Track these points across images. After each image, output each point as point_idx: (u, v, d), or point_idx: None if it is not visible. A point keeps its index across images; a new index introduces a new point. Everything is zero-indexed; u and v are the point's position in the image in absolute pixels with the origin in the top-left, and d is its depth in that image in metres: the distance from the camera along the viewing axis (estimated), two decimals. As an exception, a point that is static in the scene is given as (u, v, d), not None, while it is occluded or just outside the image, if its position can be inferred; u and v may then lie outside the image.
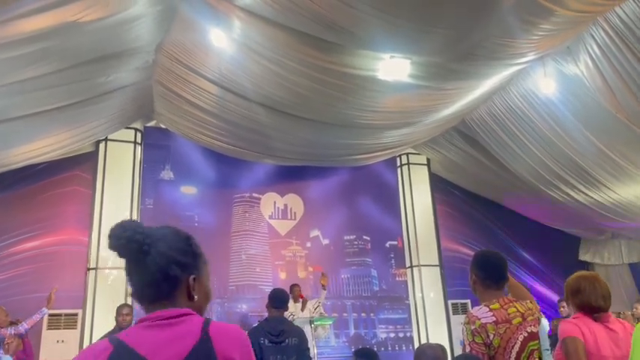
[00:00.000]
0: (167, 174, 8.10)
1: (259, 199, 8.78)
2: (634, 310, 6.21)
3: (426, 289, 9.04)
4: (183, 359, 1.19)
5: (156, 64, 6.07)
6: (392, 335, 8.70)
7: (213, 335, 1.25)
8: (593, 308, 2.49)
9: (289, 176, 8.85)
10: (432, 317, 8.81)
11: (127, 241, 1.28)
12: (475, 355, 2.21)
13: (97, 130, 7.07)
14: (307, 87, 6.04)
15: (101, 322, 6.66)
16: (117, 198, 7.56)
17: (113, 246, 1.29)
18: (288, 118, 6.76)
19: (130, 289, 1.34)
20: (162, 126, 7.97)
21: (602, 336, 2.40)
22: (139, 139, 8.00)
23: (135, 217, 7.59)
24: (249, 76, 5.93)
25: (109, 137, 7.72)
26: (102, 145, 7.73)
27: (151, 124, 8.10)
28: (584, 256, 10.16)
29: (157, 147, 8.13)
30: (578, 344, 2.37)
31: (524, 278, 9.38)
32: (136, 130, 7.97)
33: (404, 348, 8.66)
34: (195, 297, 1.33)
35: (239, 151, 7.86)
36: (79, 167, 7.66)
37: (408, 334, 8.84)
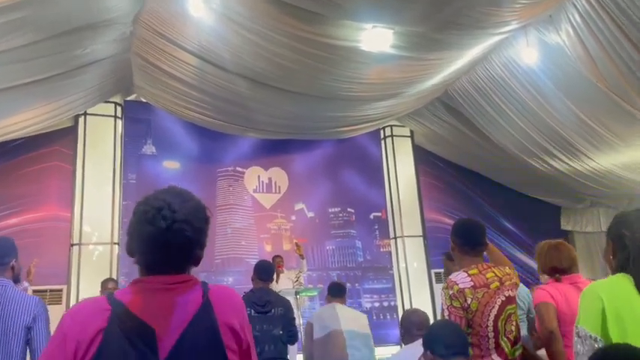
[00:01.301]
0: (149, 148, 8.01)
1: (243, 173, 8.76)
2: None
3: (410, 259, 9.17)
4: (185, 326, 1.19)
5: (133, 35, 5.94)
6: (376, 305, 8.85)
7: (214, 301, 1.25)
8: (559, 270, 2.65)
9: (273, 150, 8.82)
10: (416, 286, 8.96)
11: (157, 213, 1.24)
12: (451, 321, 2.26)
13: (75, 104, 6.94)
14: (289, 58, 5.97)
15: (86, 297, 6.66)
16: (98, 173, 7.48)
17: (143, 219, 1.24)
18: (269, 90, 6.70)
19: (132, 259, 1.28)
20: (143, 99, 7.85)
21: (573, 295, 2.49)
22: (119, 113, 7.88)
23: (117, 192, 7.54)
24: (228, 47, 5.84)
25: (89, 111, 7.59)
26: (81, 120, 7.60)
27: (131, 97, 7.97)
28: (566, 226, 10.36)
29: (137, 121, 8.02)
30: (549, 307, 2.51)
31: (505, 247, 9.55)
32: (116, 104, 7.84)
33: (388, 317, 8.83)
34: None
35: (221, 124, 7.79)
36: (59, 142, 7.54)
37: (392, 303, 8.99)
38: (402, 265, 9.17)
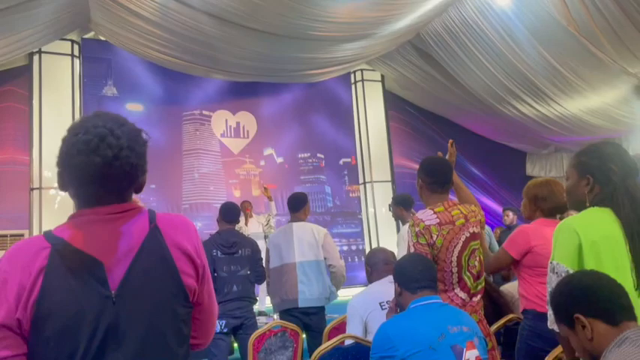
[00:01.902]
0: (110, 90, 7.69)
1: (210, 116, 8.54)
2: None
3: (378, 204, 9.27)
4: (134, 254, 1.13)
5: (89, -34, 5.55)
6: (345, 248, 8.98)
7: (162, 226, 1.20)
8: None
9: (241, 93, 8.60)
10: (384, 230, 9.12)
11: (102, 142, 1.13)
12: (422, 255, 2.27)
13: (28, 41, 6.54)
14: (256, -6, 5.71)
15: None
16: (56, 114, 7.16)
17: (85, 149, 1.13)
18: (235, 28, 6.43)
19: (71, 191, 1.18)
20: (102, 38, 7.46)
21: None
22: (76, 52, 7.50)
23: (78, 135, 7.27)
24: (192, -19, 5.53)
25: (43, 49, 7.19)
26: (36, 58, 7.22)
27: (89, 35, 7.57)
28: (532, 171, 10.59)
29: (97, 60, 7.66)
30: (506, 259, 2.56)
31: (471, 191, 9.72)
32: (73, 41, 7.44)
33: (356, 259, 9.00)
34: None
35: (186, 65, 7.50)
36: (13, 82, 7.17)
37: (361, 247, 9.15)
38: (371, 210, 9.28)
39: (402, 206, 4.39)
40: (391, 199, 4.73)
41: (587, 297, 1.41)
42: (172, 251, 1.18)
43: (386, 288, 2.66)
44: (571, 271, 1.57)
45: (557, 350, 2.00)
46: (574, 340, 1.44)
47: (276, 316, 4.28)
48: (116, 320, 1.09)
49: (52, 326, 1.05)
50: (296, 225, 3.93)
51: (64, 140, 1.17)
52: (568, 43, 6.59)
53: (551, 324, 1.60)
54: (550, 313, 1.60)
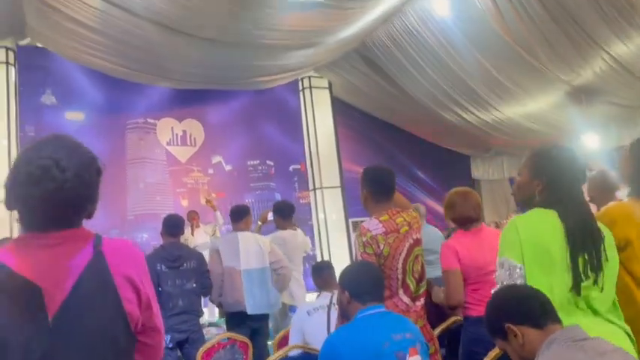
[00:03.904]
0: (48, 98, 7.39)
1: (155, 124, 8.36)
2: (509, 218, 6.88)
3: (329, 210, 9.33)
4: (75, 280, 1.11)
5: (22, -30, 5.32)
6: (296, 255, 8.97)
7: (108, 252, 1.18)
8: (466, 219, 2.71)
9: (187, 100, 8.45)
10: (334, 236, 9.18)
11: (44, 175, 1.12)
12: (373, 265, 2.31)
13: (-43, 48, 6.19)
14: (200, 3, 5.64)
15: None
16: (-10, 125, 6.83)
17: (26, 181, 1.12)
18: (180, 36, 6.33)
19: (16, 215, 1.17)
20: (39, 45, 7.16)
21: (476, 247, 2.62)
22: (11, 60, 7.16)
23: (14, 145, 6.94)
24: (134, -12, 5.40)
25: (-25, 57, 6.83)
26: (-34, 66, 6.85)
27: (25, 42, 7.24)
28: (476, 174, 10.97)
29: (34, 68, 7.33)
30: (455, 276, 2.61)
31: (418, 195, 9.96)
32: (7, 48, 7.10)
33: (307, 265, 8.98)
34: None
35: (129, 72, 7.31)
36: (-58, 91, 6.76)
37: (311, 253, 9.16)
38: (321, 216, 9.32)
39: (277, 215, 4.52)
40: (274, 206, 4.82)
41: (513, 307, 1.50)
42: (115, 278, 1.17)
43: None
44: (519, 265, 1.64)
45: (494, 352, 2.09)
46: (510, 350, 1.52)
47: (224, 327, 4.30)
48: (52, 347, 1.07)
49: None
50: (240, 234, 4.05)
51: (14, 164, 1.17)
52: (504, 51, 6.88)
53: None
54: None
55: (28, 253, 1.13)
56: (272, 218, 5.44)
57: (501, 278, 1.67)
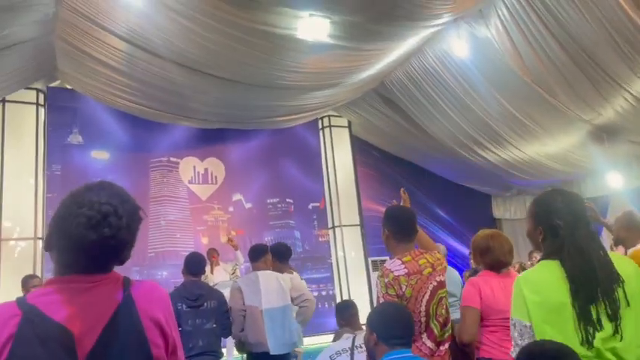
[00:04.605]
0: (75, 138, 7.60)
1: (178, 163, 8.50)
2: (532, 259, 6.72)
3: (348, 248, 9.27)
4: (105, 324, 1.13)
5: (57, 17, 5.57)
6: (315, 294, 8.85)
7: (137, 296, 1.20)
8: (501, 264, 2.66)
9: (209, 139, 8.61)
10: (353, 274, 9.08)
11: (104, 220, 1.16)
12: (405, 309, 2.27)
13: (-8, 91, 6.46)
14: (223, 45, 5.83)
15: (8, 297, 6.24)
16: (19, 163, 7.04)
17: (85, 224, 1.15)
18: (203, 77, 6.52)
19: (52, 257, 1.20)
20: (68, 86, 7.43)
21: (500, 290, 2.56)
22: (41, 101, 7.42)
23: (40, 184, 7.12)
24: (160, 32, 5.61)
25: (8, 98, 7.10)
26: (0, 107, 7.10)
27: (55, 84, 7.52)
28: (497, 213, 10.83)
29: (62, 109, 7.59)
30: (472, 314, 2.55)
31: (439, 235, 9.86)
32: (38, 90, 7.38)
33: (327, 305, 8.90)
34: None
35: (153, 112, 7.51)
36: (-24, 130, 7.01)
37: (331, 292, 9.07)
38: (340, 254, 9.26)
39: (275, 258, 4.41)
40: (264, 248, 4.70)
41: None
42: (144, 321, 1.18)
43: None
44: (528, 324, 1.58)
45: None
46: None
47: None
48: None
49: None
50: (260, 273, 4.01)
51: (65, 206, 1.19)
52: (524, 91, 6.90)
53: None
54: None
55: (60, 295, 1.14)
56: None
57: (515, 340, 1.62)
